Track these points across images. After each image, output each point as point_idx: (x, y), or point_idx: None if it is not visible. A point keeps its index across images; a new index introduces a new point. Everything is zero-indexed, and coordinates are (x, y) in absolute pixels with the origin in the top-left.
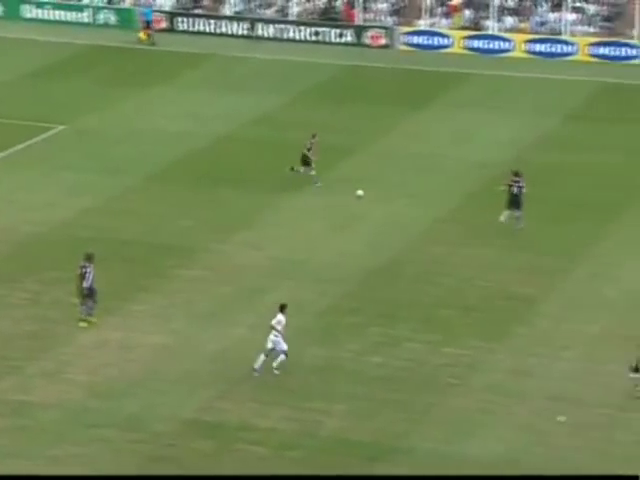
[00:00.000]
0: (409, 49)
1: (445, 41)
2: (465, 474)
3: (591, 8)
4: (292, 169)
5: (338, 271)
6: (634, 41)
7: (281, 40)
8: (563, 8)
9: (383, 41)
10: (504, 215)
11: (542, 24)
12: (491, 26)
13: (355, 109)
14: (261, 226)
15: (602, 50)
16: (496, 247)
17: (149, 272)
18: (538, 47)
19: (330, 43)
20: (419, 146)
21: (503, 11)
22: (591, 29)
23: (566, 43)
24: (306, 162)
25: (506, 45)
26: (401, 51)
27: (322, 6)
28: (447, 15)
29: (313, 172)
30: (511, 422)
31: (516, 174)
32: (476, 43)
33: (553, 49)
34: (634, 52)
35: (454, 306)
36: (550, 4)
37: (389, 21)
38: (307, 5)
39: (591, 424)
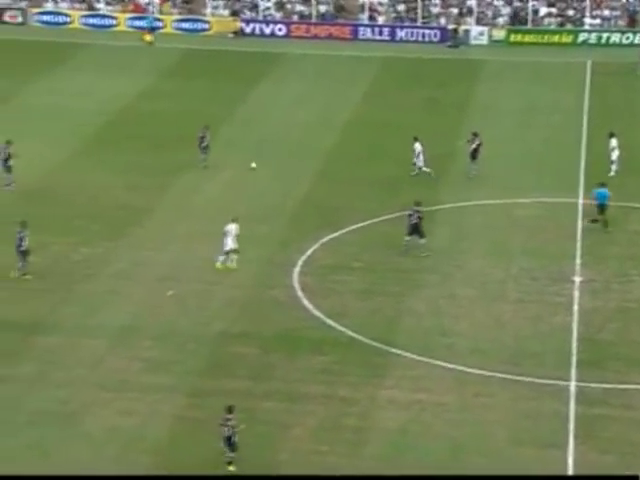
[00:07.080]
0: (40, 26)
1: (66, 19)
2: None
3: None
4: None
5: None
6: (206, 17)
7: None
8: None
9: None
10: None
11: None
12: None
13: None
14: None
15: (184, 25)
16: (108, 171)
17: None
18: (138, 22)
19: None
20: (51, 99)
21: None
22: (175, 9)
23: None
24: None
25: (112, 22)
26: (34, 27)
27: None
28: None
29: None
30: (130, 300)
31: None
32: (91, 20)
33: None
34: (206, 26)
35: (87, 216)
36: None
37: (22, 4)
38: None
39: (190, 294)
